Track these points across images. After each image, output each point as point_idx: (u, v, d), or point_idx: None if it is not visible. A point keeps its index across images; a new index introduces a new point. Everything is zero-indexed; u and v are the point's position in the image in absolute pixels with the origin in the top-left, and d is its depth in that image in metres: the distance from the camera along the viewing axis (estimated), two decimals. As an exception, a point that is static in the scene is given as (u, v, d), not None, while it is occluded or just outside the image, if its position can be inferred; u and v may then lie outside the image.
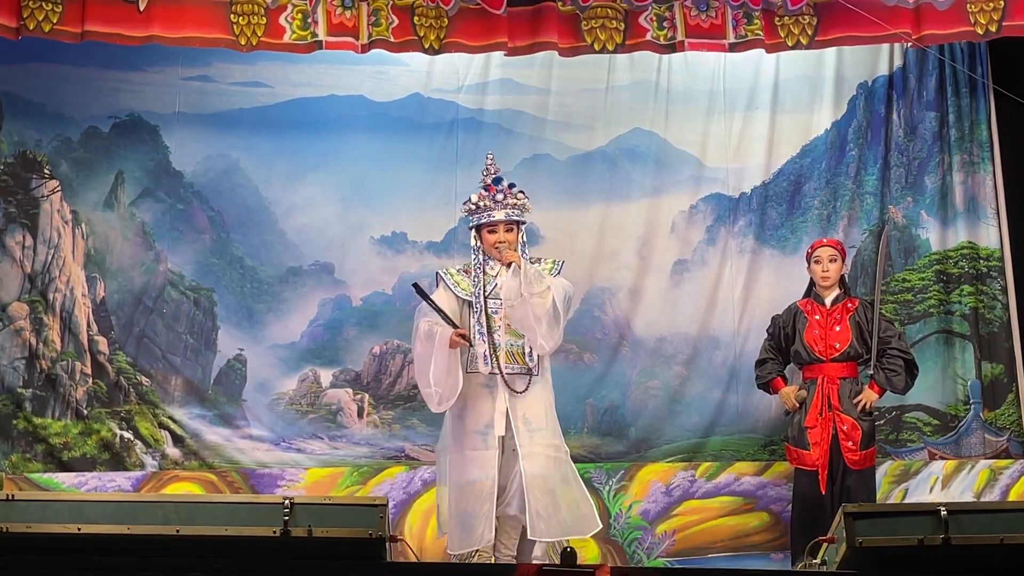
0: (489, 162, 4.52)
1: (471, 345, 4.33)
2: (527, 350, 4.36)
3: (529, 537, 4.23)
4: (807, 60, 5.87)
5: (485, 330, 4.35)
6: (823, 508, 4.86)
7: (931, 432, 5.73)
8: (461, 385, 4.27)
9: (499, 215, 4.41)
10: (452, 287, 4.45)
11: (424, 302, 4.39)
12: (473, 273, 4.45)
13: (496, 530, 4.24)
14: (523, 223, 4.49)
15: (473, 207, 4.46)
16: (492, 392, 4.33)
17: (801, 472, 5.07)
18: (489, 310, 4.38)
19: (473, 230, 4.49)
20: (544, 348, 4.31)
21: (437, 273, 4.59)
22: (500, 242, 4.40)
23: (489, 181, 4.48)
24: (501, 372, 4.32)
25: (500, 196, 4.43)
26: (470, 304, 4.43)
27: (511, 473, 4.27)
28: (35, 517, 3.12)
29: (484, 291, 4.40)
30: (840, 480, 4.98)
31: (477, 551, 4.24)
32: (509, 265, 4.31)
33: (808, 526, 4.81)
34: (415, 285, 4.44)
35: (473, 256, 4.49)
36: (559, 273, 4.49)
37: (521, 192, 4.49)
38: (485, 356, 4.34)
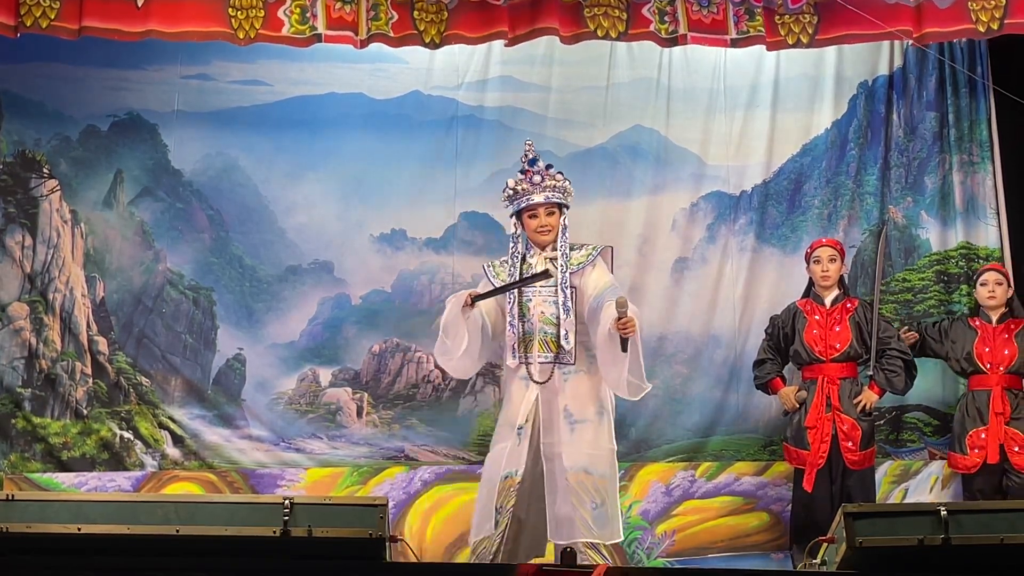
0: (527, 147, 4.37)
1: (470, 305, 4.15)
2: (563, 335, 4.18)
3: (549, 539, 4.10)
4: (808, 59, 5.87)
5: (517, 320, 4.21)
6: (822, 508, 4.86)
7: (931, 432, 5.73)
8: (466, 343, 4.13)
9: (538, 198, 4.25)
10: (492, 279, 4.33)
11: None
12: (510, 262, 4.30)
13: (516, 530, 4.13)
14: (565, 206, 4.33)
15: (512, 192, 4.31)
16: (526, 383, 4.20)
17: (801, 472, 5.07)
18: (523, 299, 4.24)
19: (514, 217, 4.35)
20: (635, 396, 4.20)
21: (483, 266, 4.49)
22: (542, 227, 4.26)
23: (525, 165, 4.33)
24: (526, 362, 4.18)
25: (538, 178, 4.28)
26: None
27: (536, 469, 4.12)
28: (35, 517, 3.11)
29: (520, 279, 4.24)
30: (840, 480, 4.99)
31: (484, 539, 4.13)
32: (625, 341, 4.01)
33: (808, 526, 4.82)
34: (474, 297, 4.21)
35: (511, 244, 4.35)
36: (596, 259, 4.29)
37: (560, 173, 4.35)
38: (513, 348, 4.22)
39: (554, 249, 4.30)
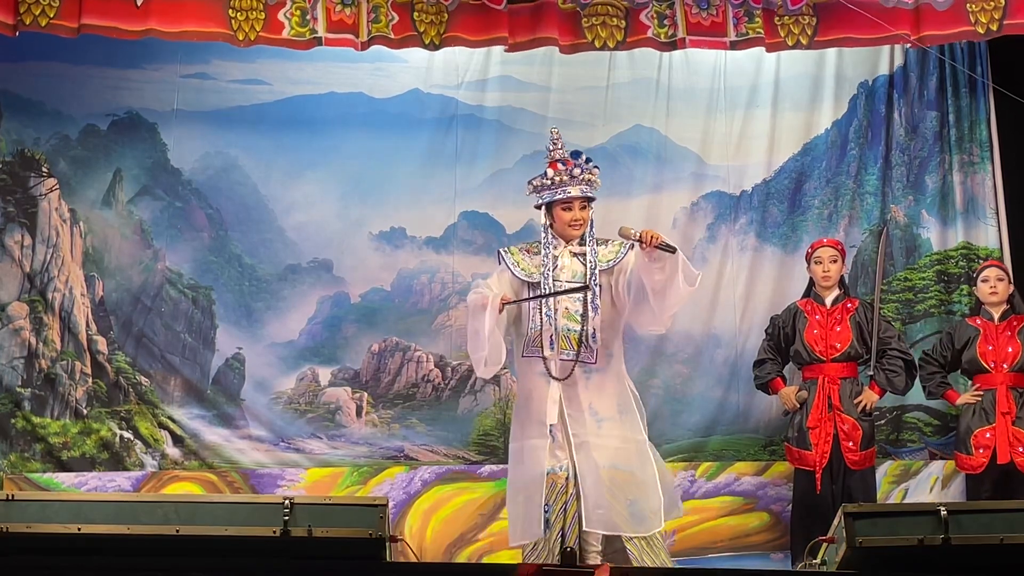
0: (555, 136, 4.27)
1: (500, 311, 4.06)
2: (590, 334, 4.13)
3: (584, 528, 4.05)
4: (808, 58, 5.87)
5: (552, 312, 4.14)
6: (823, 508, 4.86)
7: (931, 432, 5.73)
8: (504, 353, 4.10)
9: (574, 191, 4.15)
10: (512, 267, 4.24)
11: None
12: (543, 254, 4.20)
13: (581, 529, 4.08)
14: (593, 199, 4.26)
15: (548, 182, 4.19)
16: (548, 379, 4.15)
17: (801, 472, 5.07)
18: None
19: (543, 208, 4.22)
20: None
21: (499, 252, 4.39)
22: (576, 220, 4.18)
23: (566, 155, 4.22)
24: (555, 358, 4.12)
25: (577, 171, 4.19)
26: (531, 285, 4.20)
27: (574, 464, 4.09)
28: (35, 517, 3.11)
29: (553, 272, 4.17)
30: (840, 480, 4.99)
31: (540, 540, 4.06)
32: (673, 251, 3.96)
33: (808, 526, 4.81)
34: (505, 303, 4.11)
35: (543, 236, 4.24)
36: (626, 254, 4.23)
37: (596, 167, 4.27)
38: (551, 339, 4.13)
39: (581, 243, 4.24)
